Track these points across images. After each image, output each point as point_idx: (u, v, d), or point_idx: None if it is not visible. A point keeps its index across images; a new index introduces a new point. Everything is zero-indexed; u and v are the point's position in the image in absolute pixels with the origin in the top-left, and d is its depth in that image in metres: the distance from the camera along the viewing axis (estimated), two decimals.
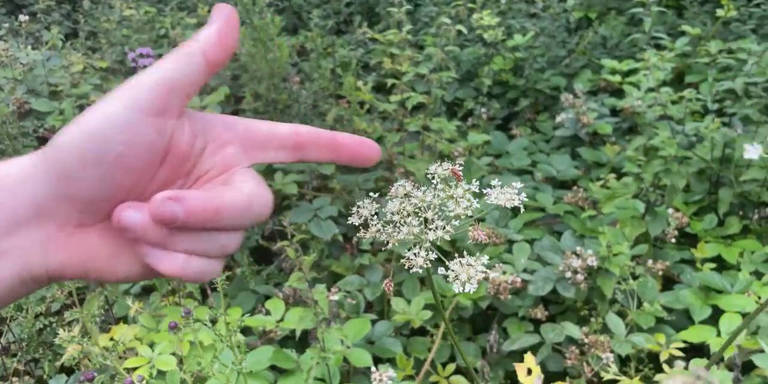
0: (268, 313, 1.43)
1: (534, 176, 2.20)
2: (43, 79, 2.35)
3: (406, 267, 0.51)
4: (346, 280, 1.60)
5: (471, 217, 0.50)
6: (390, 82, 2.13)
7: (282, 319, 1.40)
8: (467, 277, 0.48)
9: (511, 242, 1.64)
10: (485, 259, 0.50)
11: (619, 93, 2.77)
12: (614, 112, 2.64)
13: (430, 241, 0.49)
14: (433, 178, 0.52)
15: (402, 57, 2.24)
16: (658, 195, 1.70)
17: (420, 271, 0.51)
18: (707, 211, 1.90)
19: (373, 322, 1.49)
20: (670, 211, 1.71)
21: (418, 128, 1.86)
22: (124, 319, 1.67)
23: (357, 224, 0.52)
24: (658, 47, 2.78)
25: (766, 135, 1.82)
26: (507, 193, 0.51)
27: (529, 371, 1.19)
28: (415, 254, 0.49)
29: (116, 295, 1.33)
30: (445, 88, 2.49)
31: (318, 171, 1.85)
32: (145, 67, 0.40)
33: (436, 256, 0.49)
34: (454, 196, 0.50)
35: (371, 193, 0.54)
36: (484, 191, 0.52)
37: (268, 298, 1.67)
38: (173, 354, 1.25)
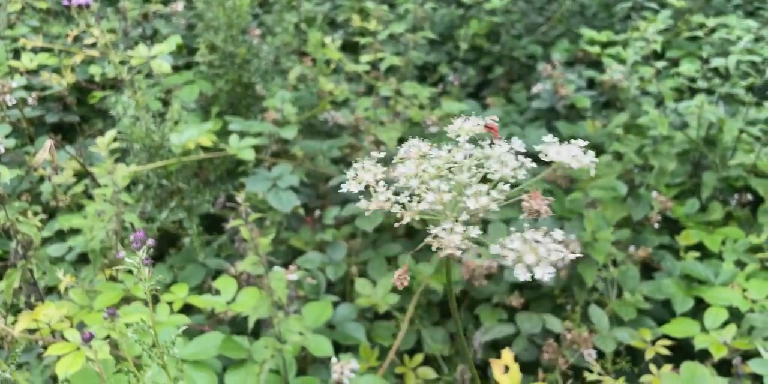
0: (217, 292, 1.28)
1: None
2: None
3: (434, 248, 0.37)
4: (306, 257, 1.45)
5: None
6: (361, 40, 1.96)
7: (233, 300, 1.25)
8: (536, 258, 0.34)
9: (485, 222, 1.52)
10: (560, 234, 0.36)
11: (596, 65, 2.65)
12: (590, 84, 2.53)
13: (469, 212, 0.35)
14: (458, 135, 0.38)
15: (373, 13, 2.06)
16: (642, 177, 1.59)
17: (458, 253, 0.37)
18: (688, 194, 1.81)
19: (335, 304, 1.35)
20: (654, 194, 1.61)
21: (390, 93, 1.70)
22: (55, 291, 1.50)
23: (356, 191, 0.38)
24: (641, 19, 2.66)
25: (755, 116, 1.73)
26: (571, 149, 0.37)
27: (507, 369, 1.08)
28: (446, 230, 0.35)
29: (44, 269, 1.15)
30: (418, 51, 2.33)
31: (278, 135, 1.68)
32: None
33: (480, 233, 0.35)
34: (496, 155, 0.36)
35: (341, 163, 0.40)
36: (536, 148, 0.38)
37: (219, 272, 1.52)
38: (107, 338, 1.09)
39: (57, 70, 2.09)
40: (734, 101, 1.96)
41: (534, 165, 0.38)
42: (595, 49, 2.53)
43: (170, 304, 1.24)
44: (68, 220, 1.61)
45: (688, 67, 2.04)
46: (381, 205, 0.42)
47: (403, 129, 1.77)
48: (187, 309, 1.36)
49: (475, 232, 0.35)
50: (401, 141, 0.76)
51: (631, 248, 1.51)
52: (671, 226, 1.74)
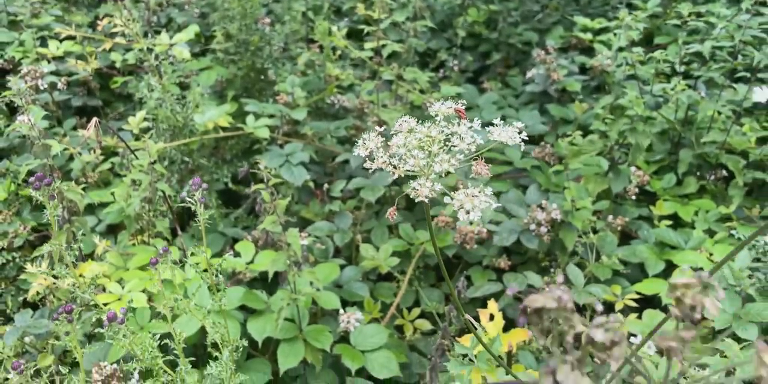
0: (237, 255, 1.44)
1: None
2: (2, 8, 2.24)
3: (411, 196, 0.52)
4: (315, 225, 1.61)
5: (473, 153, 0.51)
6: (365, 29, 2.10)
7: (252, 261, 1.41)
8: (471, 205, 0.50)
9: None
10: (489, 190, 0.52)
11: (589, 51, 2.78)
12: (583, 70, 2.67)
13: (435, 173, 0.50)
14: (437, 115, 0.53)
15: (377, 2, 2.20)
16: (622, 153, 1.74)
17: (426, 200, 0.53)
18: (667, 170, 1.96)
19: (342, 267, 1.51)
20: (633, 169, 1.76)
21: (392, 77, 1.84)
22: (91, 257, 1.66)
23: (363, 155, 0.53)
24: (630, 6, 2.79)
25: (728, 98, 1.87)
26: (509, 131, 0.52)
27: (492, 317, 1.24)
28: (420, 184, 0.50)
29: (85, 231, 1.31)
30: (419, 38, 2.46)
31: (289, 116, 1.83)
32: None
33: (440, 188, 0.51)
34: (458, 132, 0.52)
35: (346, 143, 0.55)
36: (487, 129, 0.53)
37: (236, 240, 1.68)
38: (143, 291, 1.26)
39: (81, 57, 2.24)
40: (715, 85, 2.10)
41: (481, 141, 0.53)
42: (588, 36, 2.67)
43: (196, 264, 1.40)
44: (98, 194, 1.77)
45: (669, 52, 2.17)
46: (380, 165, 0.58)
47: (405, 111, 1.92)
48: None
49: (437, 187, 0.51)
50: None
51: (610, 217, 1.66)
52: (650, 199, 1.89)
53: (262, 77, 1.92)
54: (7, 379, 1.32)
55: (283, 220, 1.15)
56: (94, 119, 1.14)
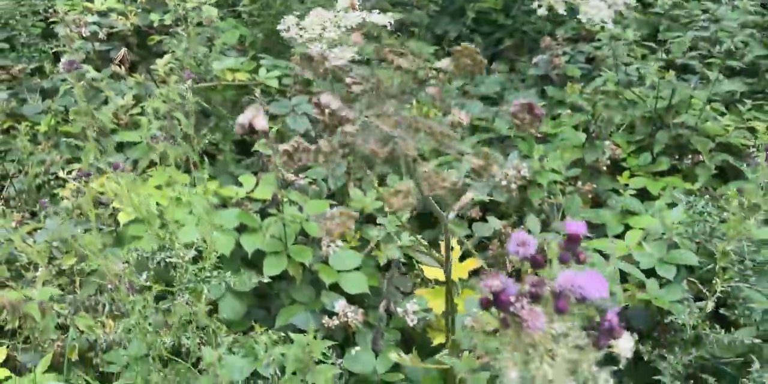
0: (240, 185, 1.65)
1: (500, 105, 2.40)
2: None
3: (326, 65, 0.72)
4: (313, 170, 1.81)
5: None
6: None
7: (252, 191, 1.62)
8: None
9: (462, 154, 1.85)
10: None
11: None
12: (590, 60, 2.82)
13: (325, 39, 0.70)
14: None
15: None
16: (598, 127, 1.90)
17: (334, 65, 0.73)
18: (646, 150, 2.12)
19: (332, 206, 1.71)
20: (608, 143, 1.92)
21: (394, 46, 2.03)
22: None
23: (282, 29, 0.74)
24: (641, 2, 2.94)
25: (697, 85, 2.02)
26: (377, 16, 0.72)
27: (451, 248, 1.43)
28: (316, 47, 0.71)
29: (109, 151, 1.53)
30: (432, 16, 2.65)
31: (302, 76, 2.03)
32: None
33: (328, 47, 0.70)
34: (343, 17, 0.72)
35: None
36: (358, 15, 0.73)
37: None
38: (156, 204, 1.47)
39: (122, 14, 2.47)
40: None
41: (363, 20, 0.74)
42: (596, 28, 2.81)
43: (204, 192, 1.61)
44: (128, 135, 1.99)
45: (674, 47, 2.32)
46: (293, 34, 0.78)
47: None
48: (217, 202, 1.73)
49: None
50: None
51: (579, 183, 1.83)
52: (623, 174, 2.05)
53: (281, 40, 2.12)
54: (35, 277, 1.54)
55: (273, 141, 1.35)
56: (123, 49, 1.34)
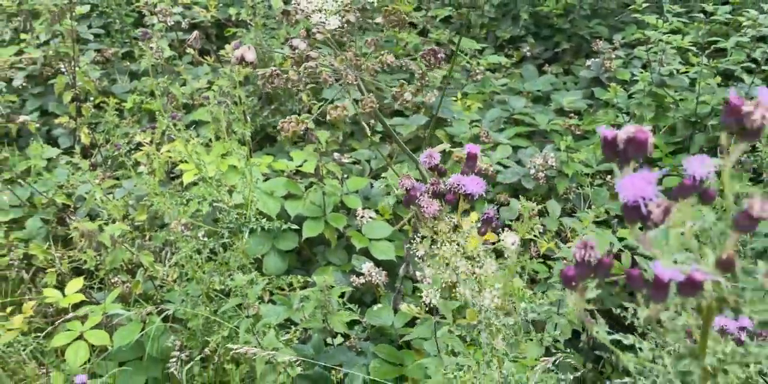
0: (291, 159, 1.84)
1: (547, 104, 2.52)
2: None
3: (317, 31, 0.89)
4: (359, 151, 1.99)
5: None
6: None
7: (301, 165, 1.81)
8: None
9: (498, 144, 1.99)
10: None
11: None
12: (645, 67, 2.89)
13: (325, 10, 0.87)
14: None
15: None
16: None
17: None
18: (683, 152, 2.19)
19: (371, 184, 1.88)
20: None
21: (442, 40, 2.18)
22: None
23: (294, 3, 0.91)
24: (705, 13, 2.98)
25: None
26: None
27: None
28: (319, 17, 0.87)
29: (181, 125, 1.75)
30: (494, 19, 2.79)
31: None
32: None
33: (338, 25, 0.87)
34: None
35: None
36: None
37: None
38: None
39: (205, 7, 2.73)
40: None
41: None
42: (656, 34, 2.89)
43: (260, 165, 1.82)
44: (198, 114, 2.22)
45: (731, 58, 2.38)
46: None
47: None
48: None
49: (336, 22, 0.87)
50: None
51: (609, 177, 1.93)
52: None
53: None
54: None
55: (314, 118, 1.54)
56: (195, 32, 1.56)
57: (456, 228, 0.62)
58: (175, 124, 1.63)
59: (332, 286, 1.32)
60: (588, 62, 2.80)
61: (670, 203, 0.43)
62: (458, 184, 0.65)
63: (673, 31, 2.90)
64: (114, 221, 1.81)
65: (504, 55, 2.94)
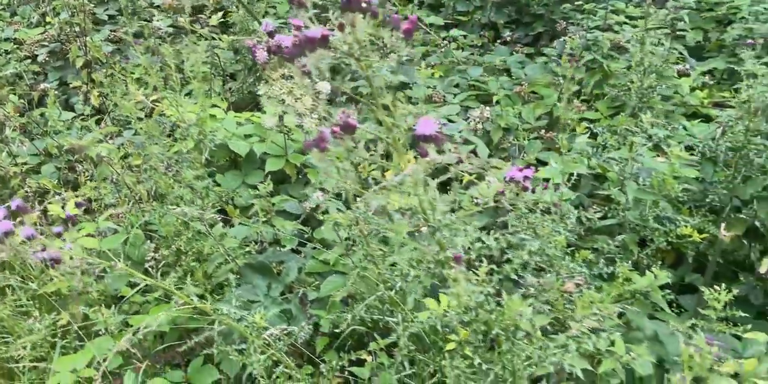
0: (262, 111, 2.15)
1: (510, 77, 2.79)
2: None
3: None
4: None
5: None
6: None
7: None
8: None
9: (446, 103, 2.27)
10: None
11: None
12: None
13: None
14: None
15: None
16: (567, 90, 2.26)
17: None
18: (618, 113, 2.44)
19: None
20: (576, 102, 2.27)
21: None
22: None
23: None
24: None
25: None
26: None
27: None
28: None
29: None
30: (479, 7, 3.07)
31: None
32: None
33: None
34: None
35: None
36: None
37: None
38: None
39: None
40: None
41: None
42: (620, 18, 3.14)
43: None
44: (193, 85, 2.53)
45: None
46: None
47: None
48: None
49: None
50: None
51: (542, 131, 2.20)
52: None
53: None
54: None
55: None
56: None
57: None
58: (165, 82, 1.95)
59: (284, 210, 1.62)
60: (555, 42, 3.07)
61: None
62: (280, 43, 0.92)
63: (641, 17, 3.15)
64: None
65: (479, 36, 3.23)
